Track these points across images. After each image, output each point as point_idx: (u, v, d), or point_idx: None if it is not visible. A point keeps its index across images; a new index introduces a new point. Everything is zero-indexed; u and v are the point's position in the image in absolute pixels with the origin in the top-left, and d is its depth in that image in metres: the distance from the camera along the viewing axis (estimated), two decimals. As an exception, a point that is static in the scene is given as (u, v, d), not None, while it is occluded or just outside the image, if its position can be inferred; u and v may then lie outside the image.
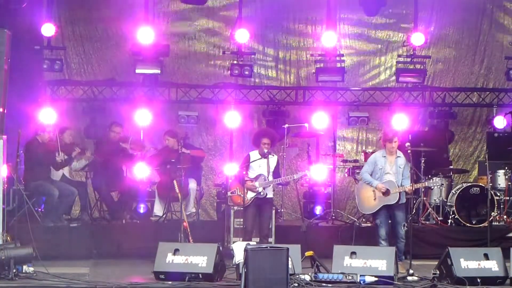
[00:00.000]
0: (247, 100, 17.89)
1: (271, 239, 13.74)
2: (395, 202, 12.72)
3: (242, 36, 16.85)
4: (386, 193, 12.72)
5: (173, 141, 15.46)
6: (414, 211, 14.69)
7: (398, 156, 12.90)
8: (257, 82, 18.07)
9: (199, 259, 11.36)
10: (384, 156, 12.93)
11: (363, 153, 16.49)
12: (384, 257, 11.52)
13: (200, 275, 11.24)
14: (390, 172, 12.86)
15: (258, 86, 18.00)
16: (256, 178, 12.98)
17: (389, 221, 12.88)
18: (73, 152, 14.85)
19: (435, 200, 15.58)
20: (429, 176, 15.16)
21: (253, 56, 17.53)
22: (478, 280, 11.30)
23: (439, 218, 15.36)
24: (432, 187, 14.99)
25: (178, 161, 14.18)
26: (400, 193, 12.75)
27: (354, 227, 14.61)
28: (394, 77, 17.67)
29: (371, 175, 12.96)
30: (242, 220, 13.57)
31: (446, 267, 11.55)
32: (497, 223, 15.31)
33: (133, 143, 15.77)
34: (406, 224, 12.64)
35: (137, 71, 16.78)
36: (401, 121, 16.70)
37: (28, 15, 15.88)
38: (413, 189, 12.93)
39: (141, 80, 17.57)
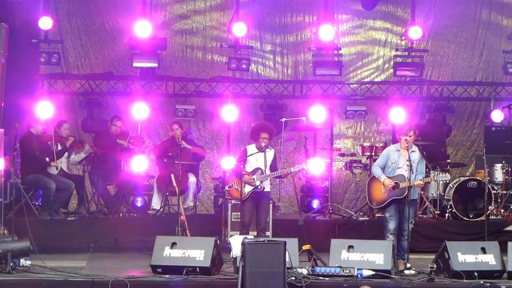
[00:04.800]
0: (245, 93, 17.88)
1: (268, 233, 13.75)
2: (403, 196, 12.14)
3: (240, 29, 16.84)
4: (396, 187, 12.20)
5: (180, 132, 15.50)
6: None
7: (413, 151, 12.34)
8: (255, 75, 18.06)
9: (197, 253, 11.34)
10: (398, 150, 12.37)
11: (360, 147, 16.47)
12: (382, 251, 11.50)
13: (197, 268, 11.22)
14: (403, 167, 12.26)
15: (255, 80, 17.99)
16: (253, 172, 12.95)
17: (399, 216, 12.34)
18: (67, 142, 14.83)
19: (432, 194, 15.57)
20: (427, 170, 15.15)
21: (250, 49, 17.53)
22: (475, 273, 11.28)
23: (436, 212, 15.36)
24: (439, 182, 14.77)
25: (177, 155, 14.16)
26: (409, 188, 12.08)
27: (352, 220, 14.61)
28: (391, 71, 17.63)
29: (383, 169, 12.41)
30: (239, 213, 13.56)
31: (444, 260, 11.55)
32: (494, 217, 15.30)
33: (132, 138, 15.77)
34: (413, 222, 12.31)
35: (135, 64, 16.79)
36: (398, 115, 16.72)
37: (25, 8, 15.88)
38: (423, 183, 12.44)
39: (138, 73, 17.57)
